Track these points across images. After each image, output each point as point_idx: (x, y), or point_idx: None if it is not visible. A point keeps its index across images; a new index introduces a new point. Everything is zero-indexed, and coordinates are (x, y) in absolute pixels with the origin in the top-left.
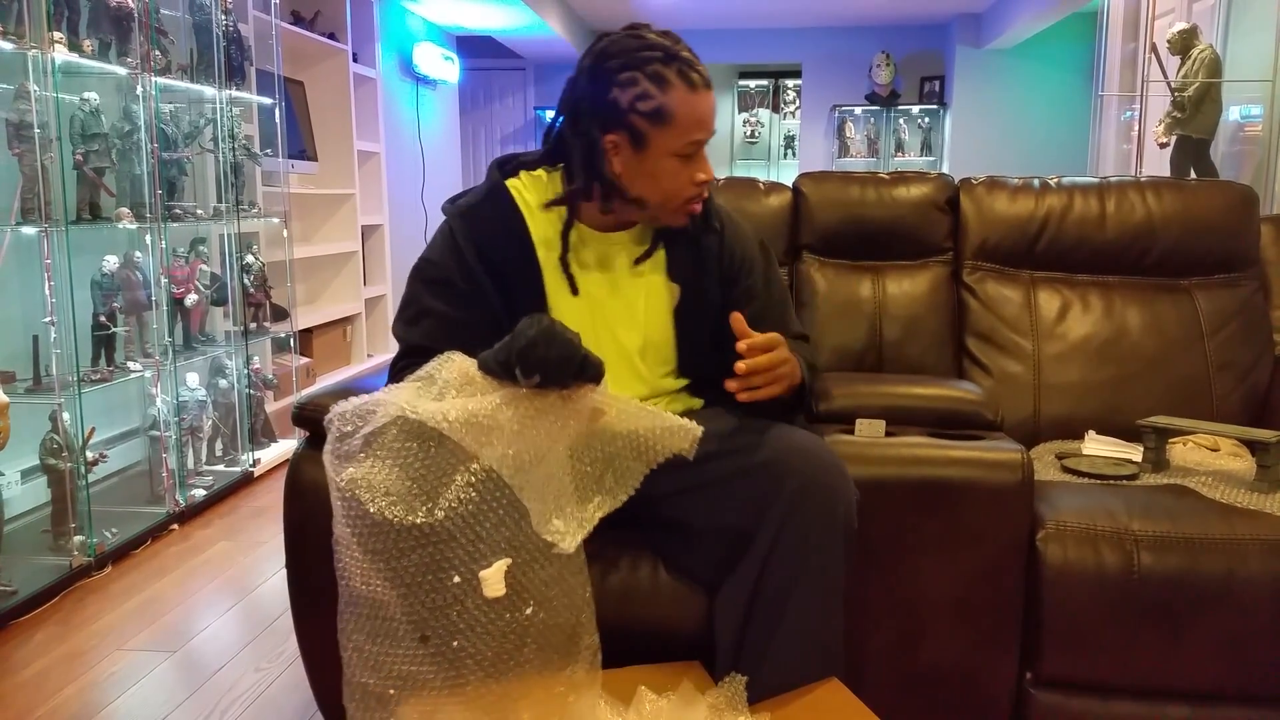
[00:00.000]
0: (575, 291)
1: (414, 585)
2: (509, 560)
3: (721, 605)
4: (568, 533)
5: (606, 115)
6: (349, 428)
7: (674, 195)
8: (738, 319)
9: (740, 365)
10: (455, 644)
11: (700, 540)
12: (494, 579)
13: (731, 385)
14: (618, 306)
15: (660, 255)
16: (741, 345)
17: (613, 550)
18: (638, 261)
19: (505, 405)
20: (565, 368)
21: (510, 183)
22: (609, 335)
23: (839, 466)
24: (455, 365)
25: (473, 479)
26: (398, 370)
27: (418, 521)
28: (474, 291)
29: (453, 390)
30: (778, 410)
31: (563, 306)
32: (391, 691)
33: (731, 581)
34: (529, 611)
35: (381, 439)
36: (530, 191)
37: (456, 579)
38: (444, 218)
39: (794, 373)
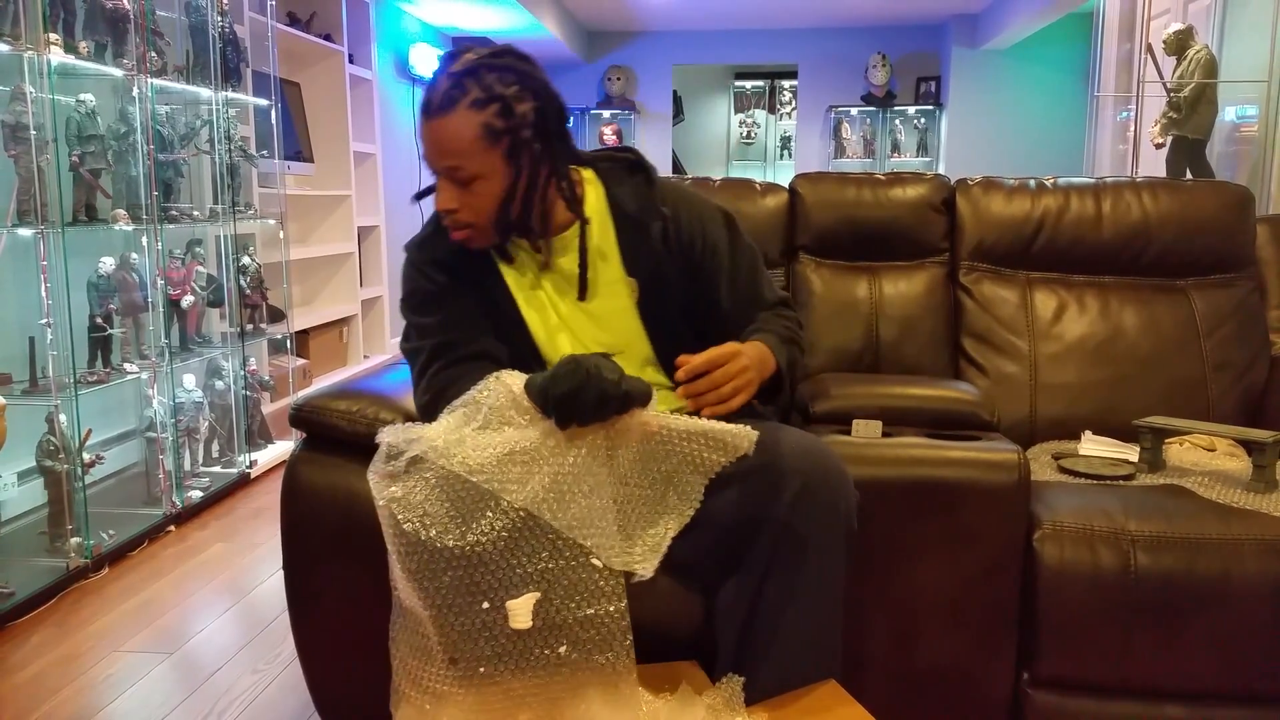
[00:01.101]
0: (510, 259)
1: (445, 607)
2: (539, 594)
3: (721, 606)
4: (642, 559)
5: None
6: (396, 450)
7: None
8: (682, 361)
9: (679, 392)
10: (482, 670)
11: (700, 541)
12: (521, 611)
13: (687, 404)
14: (580, 311)
15: (615, 253)
16: (679, 375)
17: None
18: (580, 298)
19: (547, 438)
20: (605, 409)
21: None
22: (578, 340)
23: (840, 468)
24: (504, 388)
25: (508, 508)
26: (436, 371)
27: (449, 544)
28: (453, 295)
29: (498, 418)
30: (762, 397)
31: (534, 317)
32: (428, 707)
33: (732, 582)
34: (562, 651)
35: (424, 461)
36: None
37: (486, 605)
38: (406, 256)
39: (760, 368)
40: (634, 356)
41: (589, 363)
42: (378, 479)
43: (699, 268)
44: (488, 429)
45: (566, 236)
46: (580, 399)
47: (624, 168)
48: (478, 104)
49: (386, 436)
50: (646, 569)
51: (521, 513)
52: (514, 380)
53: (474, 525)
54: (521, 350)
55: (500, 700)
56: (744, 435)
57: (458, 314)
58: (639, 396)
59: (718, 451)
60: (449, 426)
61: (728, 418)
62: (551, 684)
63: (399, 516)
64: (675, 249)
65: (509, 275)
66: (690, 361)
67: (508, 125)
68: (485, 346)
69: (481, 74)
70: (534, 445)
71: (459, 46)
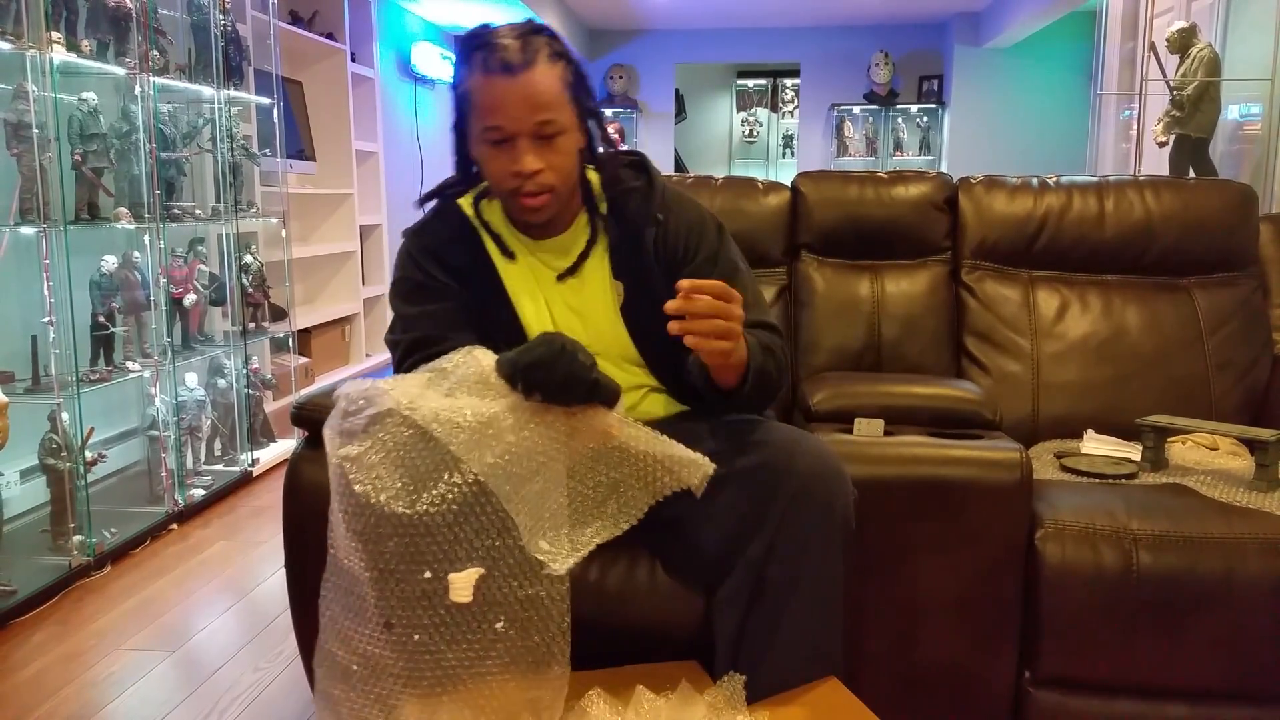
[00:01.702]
0: (512, 255)
1: (386, 572)
2: (482, 570)
3: (720, 605)
4: (559, 555)
5: (455, 103)
6: (355, 406)
7: (498, 185)
8: (683, 283)
9: (674, 303)
10: (416, 638)
11: (698, 540)
12: (463, 585)
13: (673, 327)
14: (571, 312)
15: (604, 255)
16: (684, 283)
17: (611, 549)
18: (561, 277)
19: (508, 413)
20: (570, 390)
21: (459, 201)
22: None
23: (837, 466)
24: (474, 362)
25: (460, 481)
26: (409, 367)
27: (399, 510)
28: (440, 287)
29: (464, 389)
30: (725, 397)
31: (528, 311)
32: (355, 667)
33: (730, 581)
34: (499, 626)
35: (383, 422)
36: (468, 196)
37: (428, 574)
38: (403, 241)
39: (738, 333)
40: (617, 357)
41: (565, 340)
42: (332, 434)
43: (679, 274)
44: (453, 396)
45: (570, 233)
46: (550, 370)
47: (627, 169)
48: (554, 57)
49: (344, 395)
50: (560, 567)
51: (474, 486)
52: (485, 357)
53: (425, 494)
54: (508, 346)
55: (431, 669)
56: (700, 468)
57: (443, 310)
58: (607, 393)
59: (670, 475)
60: (413, 385)
61: (732, 403)
62: (485, 659)
63: (351, 476)
64: (663, 255)
65: (507, 271)
66: (699, 284)
67: (576, 80)
68: (462, 342)
69: (543, 33)
70: (494, 415)
71: (473, 28)
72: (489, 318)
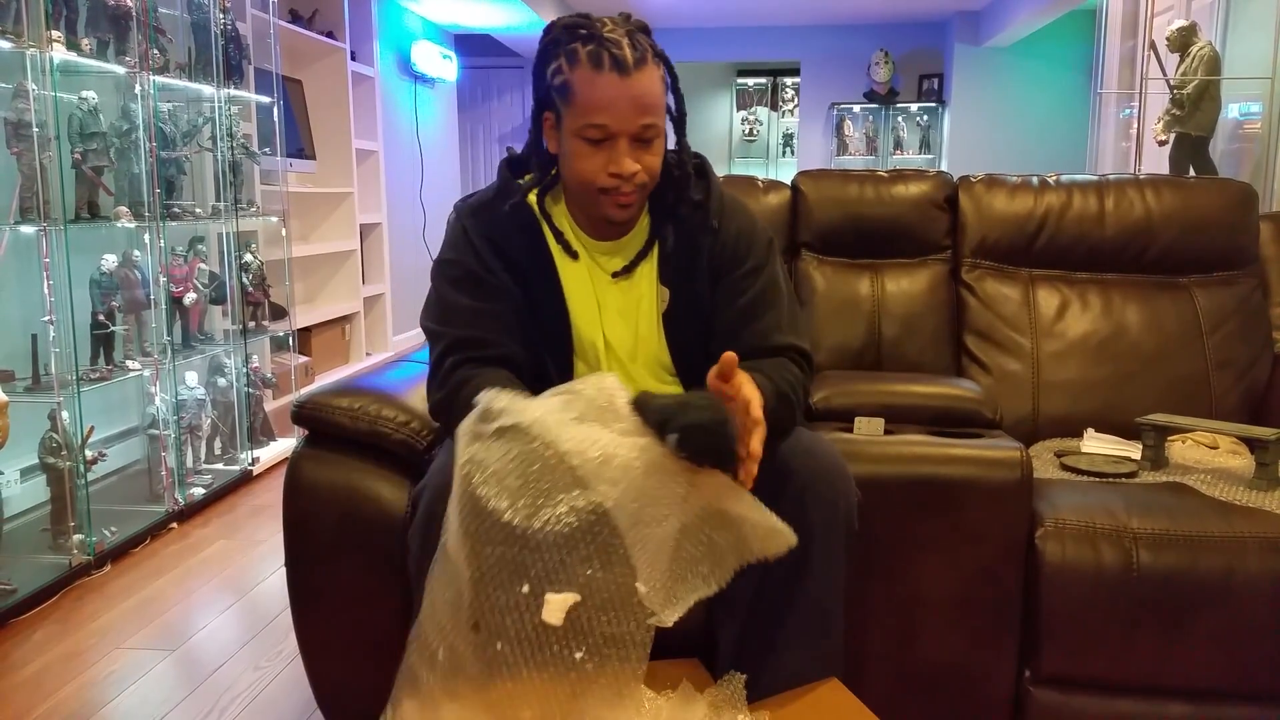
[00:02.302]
0: (575, 255)
1: (487, 576)
2: (579, 598)
3: (723, 604)
4: (663, 604)
5: (540, 90)
6: (493, 414)
7: (588, 182)
8: (729, 359)
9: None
10: (499, 646)
11: None
12: (557, 606)
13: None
14: (617, 315)
15: (654, 259)
16: (723, 368)
17: None
18: (616, 275)
19: (640, 453)
20: (721, 460)
21: (521, 181)
22: (610, 344)
23: (841, 468)
24: (606, 391)
25: (579, 505)
26: (451, 367)
27: (514, 520)
28: (495, 284)
29: (593, 415)
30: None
31: (579, 313)
32: (440, 656)
33: (733, 580)
34: (578, 656)
35: (517, 434)
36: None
37: (525, 588)
38: (457, 216)
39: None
40: (652, 363)
41: (721, 406)
42: (465, 436)
43: (722, 282)
44: (584, 422)
45: (633, 234)
46: (712, 438)
47: (689, 173)
48: (657, 58)
49: (486, 398)
50: (667, 619)
51: (592, 515)
52: (617, 391)
53: (544, 511)
54: (552, 345)
55: (506, 679)
56: (783, 539)
57: (491, 307)
58: (733, 455)
59: (759, 543)
60: (549, 406)
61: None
62: (558, 683)
63: (475, 478)
64: (712, 264)
65: (565, 271)
66: (737, 375)
67: (673, 81)
68: (510, 351)
69: (645, 30)
70: (628, 455)
71: (572, 16)
72: (538, 315)
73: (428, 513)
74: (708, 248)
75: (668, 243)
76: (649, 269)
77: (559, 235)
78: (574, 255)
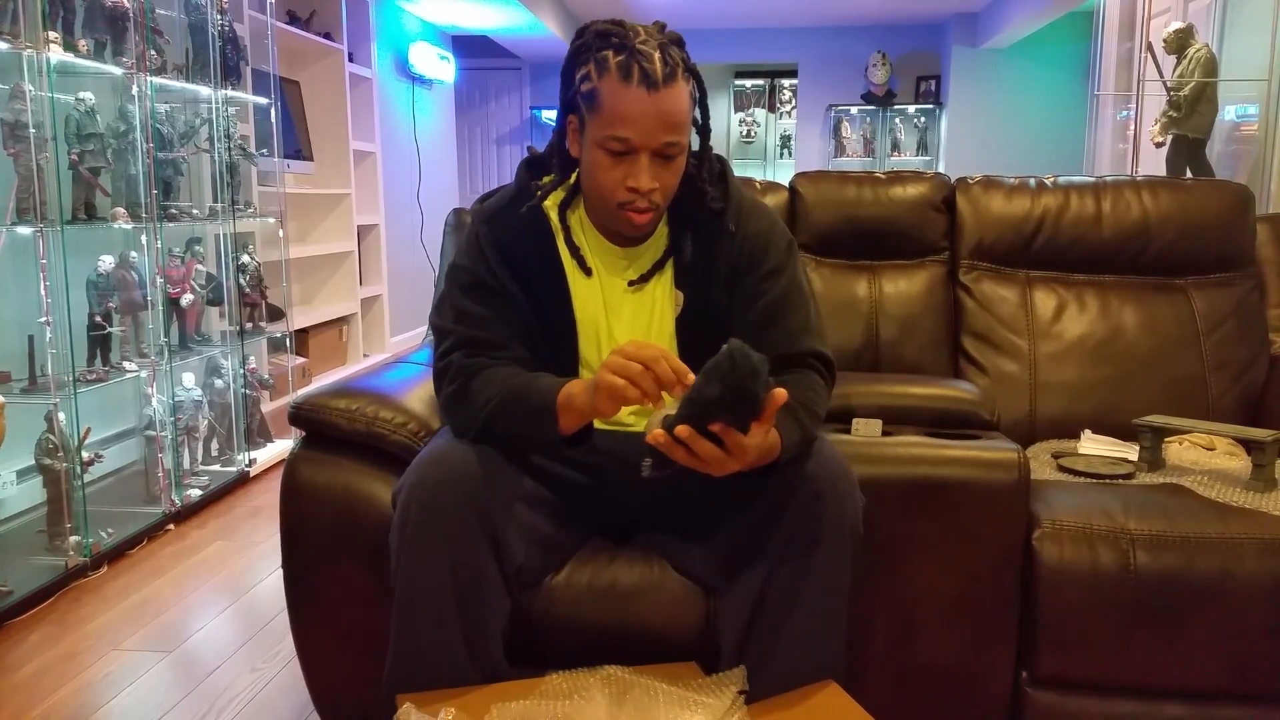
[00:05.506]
0: (589, 272)
1: None
2: None
3: (726, 608)
4: None
5: (566, 95)
6: None
7: (606, 194)
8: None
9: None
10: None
11: (707, 543)
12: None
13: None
14: (622, 315)
15: (670, 264)
16: (665, 437)
17: (615, 549)
18: (633, 284)
19: None
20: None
21: (545, 204)
22: (612, 341)
23: (847, 473)
24: None
25: None
26: (461, 359)
27: None
28: (503, 294)
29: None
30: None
31: (588, 328)
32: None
33: (737, 585)
34: None
35: None
36: (556, 193)
37: None
38: (472, 220)
39: (758, 459)
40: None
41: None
42: None
43: (740, 285)
44: None
45: (651, 241)
46: (751, 378)
47: (708, 176)
48: (687, 73)
49: None
50: None
51: None
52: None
53: None
54: (557, 354)
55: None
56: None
57: (499, 315)
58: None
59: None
60: None
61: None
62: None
63: None
64: (729, 269)
65: (576, 285)
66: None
67: (701, 97)
68: (516, 355)
69: (678, 43)
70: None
71: (606, 22)
72: (545, 325)
73: (403, 517)
74: (724, 251)
75: (685, 252)
76: (665, 272)
77: (575, 250)
78: (588, 272)
